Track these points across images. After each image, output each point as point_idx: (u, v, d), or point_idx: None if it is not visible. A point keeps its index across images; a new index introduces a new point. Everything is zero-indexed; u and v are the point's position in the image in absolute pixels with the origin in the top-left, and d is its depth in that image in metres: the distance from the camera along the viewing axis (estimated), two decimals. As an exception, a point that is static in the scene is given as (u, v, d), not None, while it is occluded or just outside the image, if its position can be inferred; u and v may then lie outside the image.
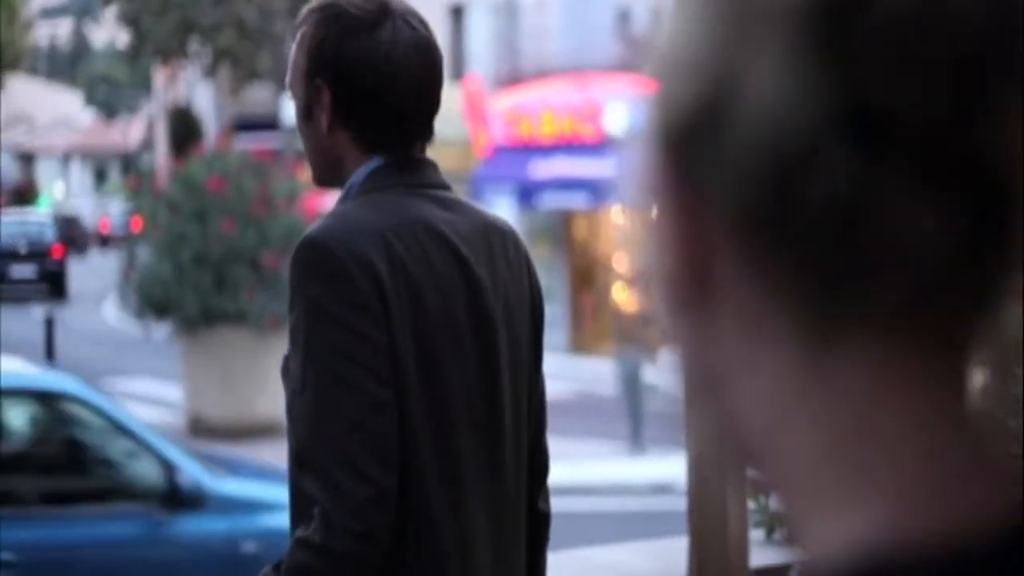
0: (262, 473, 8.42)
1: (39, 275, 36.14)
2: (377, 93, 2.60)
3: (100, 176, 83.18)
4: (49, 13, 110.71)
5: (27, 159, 77.18)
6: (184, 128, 39.70)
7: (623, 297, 26.17)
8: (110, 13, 36.11)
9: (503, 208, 21.78)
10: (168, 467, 7.60)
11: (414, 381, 2.52)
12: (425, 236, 2.58)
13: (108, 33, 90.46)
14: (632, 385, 16.80)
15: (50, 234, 37.30)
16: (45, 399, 8.00)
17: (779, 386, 0.68)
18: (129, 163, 70.68)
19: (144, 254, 16.52)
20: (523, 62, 26.90)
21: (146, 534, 7.50)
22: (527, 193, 24.74)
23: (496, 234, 2.69)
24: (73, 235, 44.35)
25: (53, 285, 36.08)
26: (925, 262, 0.66)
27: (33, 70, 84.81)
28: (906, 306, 0.67)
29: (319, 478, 2.48)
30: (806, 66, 0.66)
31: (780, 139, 0.66)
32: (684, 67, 0.69)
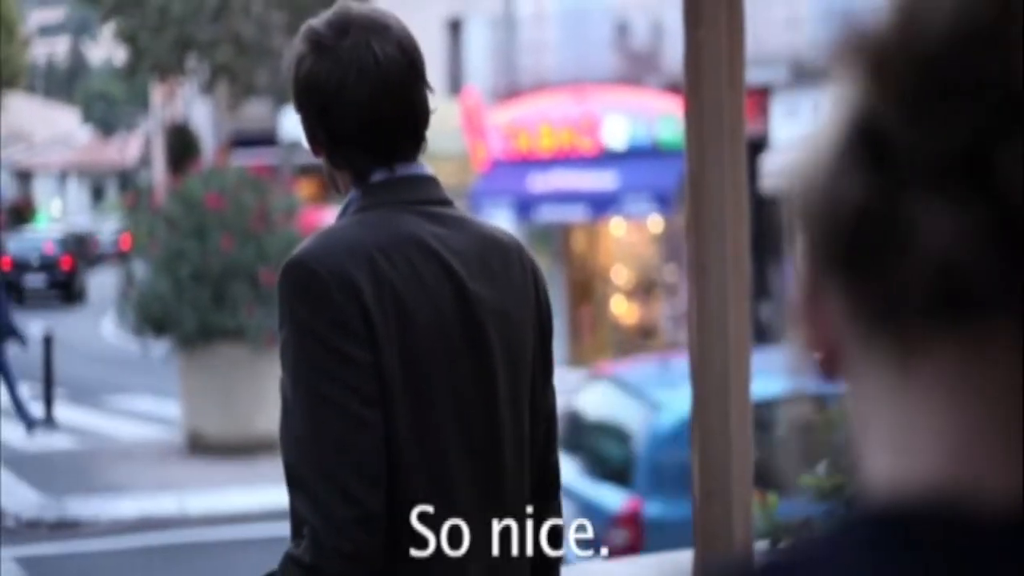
0: None
1: (50, 284, 41.58)
2: (327, 115, 2.61)
3: (97, 193, 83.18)
4: (46, 31, 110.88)
5: (25, 176, 77.16)
6: (182, 144, 39.75)
7: (621, 310, 26.16)
8: (107, 30, 36.17)
9: (501, 222, 21.71)
10: None
11: (402, 399, 2.51)
12: (415, 252, 2.57)
13: (105, 50, 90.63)
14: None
15: (59, 248, 42.32)
16: None
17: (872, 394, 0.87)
18: (127, 180, 70.66)
19: (141, 271, 16.49)
20: (521, 75, 26.89)
21: None
22: (525, 206, 24.71)
23: (496, 249, 2.67)
24: (83, 251, 47.06)
25: (64, 291, 41.55)
26: None
27: (31, 88, 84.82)
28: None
29: (307, 497, 2.48)
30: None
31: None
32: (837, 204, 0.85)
